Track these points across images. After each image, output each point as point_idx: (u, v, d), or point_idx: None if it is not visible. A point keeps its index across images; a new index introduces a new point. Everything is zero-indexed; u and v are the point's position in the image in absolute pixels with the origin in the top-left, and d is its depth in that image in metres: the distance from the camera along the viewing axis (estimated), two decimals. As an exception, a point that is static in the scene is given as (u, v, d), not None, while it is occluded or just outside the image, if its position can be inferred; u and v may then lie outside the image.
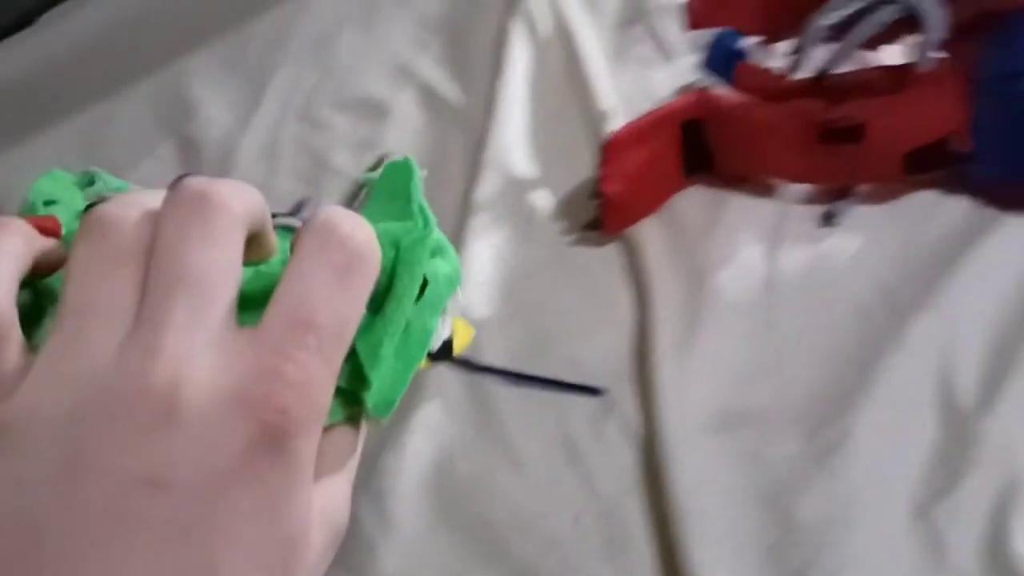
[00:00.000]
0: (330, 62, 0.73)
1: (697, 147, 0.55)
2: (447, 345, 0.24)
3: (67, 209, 0.26)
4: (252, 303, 0.20)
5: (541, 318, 0.54)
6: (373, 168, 0.64)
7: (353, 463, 0.23)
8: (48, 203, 0.25)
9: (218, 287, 0.19)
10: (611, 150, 0.54)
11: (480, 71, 0.68)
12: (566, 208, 0.58)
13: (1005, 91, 0.48)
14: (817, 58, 0.53)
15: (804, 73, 0.52)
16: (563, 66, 0.66)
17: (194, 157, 0.69)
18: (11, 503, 0.18)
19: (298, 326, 0.19)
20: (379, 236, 0.20)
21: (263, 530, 0.19)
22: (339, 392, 0.21)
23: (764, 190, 0.56)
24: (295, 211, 0.64)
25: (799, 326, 0.50)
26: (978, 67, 0.49)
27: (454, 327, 0.25)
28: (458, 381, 0.52)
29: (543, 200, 0.59)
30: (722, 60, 0.57)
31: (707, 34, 0.59)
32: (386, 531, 0.46)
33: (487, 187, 0.60)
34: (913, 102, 0.50)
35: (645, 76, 0.64)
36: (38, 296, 0.23)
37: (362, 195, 0.62)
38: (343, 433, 0.22)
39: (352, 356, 0.21)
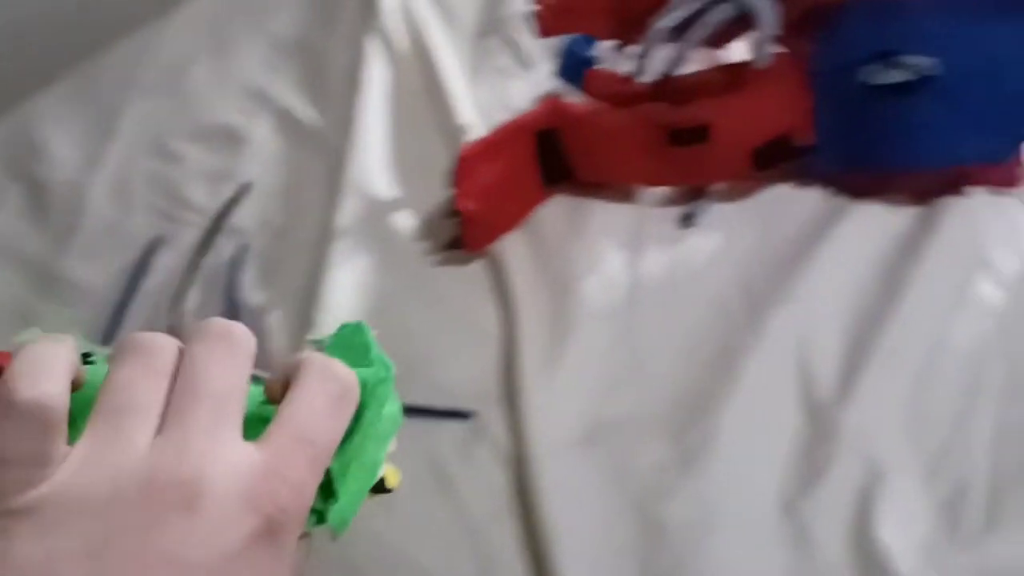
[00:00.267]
0: (183, 92, 0.71)
1: (553, 156, 0.54)
2: (382, 484, 0.28)
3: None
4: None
5: (406, 345, 0.52)
6: (232, 199, 0.62)
7: (302, 571, 0.26)
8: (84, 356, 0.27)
9: (234, 401, 0.23)
10: (464, 167, 0.53)
11: (337, 92, 0.66)
12: (428, 228, 0.57)
13: (839, 84, 0.49)
14: (662, 61, 0.53)
15: (649, 77, 0.52)
16: (421, 81, 0.64)
17: (43, 201, 0.65)
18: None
19: (300, 441, 0.23)
20: None
21: None
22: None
23: (624, 195, 0.56)
24: (148, 251, 0.60)
25: (663, 329, 0.50)
26: (812, 62, 0.49)
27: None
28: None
29: (405, 221, 0.58)
30: (573, 67, 0.57)
31: (563, 41, 0.59)
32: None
33: (348, 212, 0.58)
34: (754, 99, 0.50)
35: (503, 87, 0.63)
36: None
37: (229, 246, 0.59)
38: (299, 545, 0.25)
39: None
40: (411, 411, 0.48)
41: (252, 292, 0.56)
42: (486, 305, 0.53)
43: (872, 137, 0.49)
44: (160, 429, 0.22)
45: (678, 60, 0.51)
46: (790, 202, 0.53)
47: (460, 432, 0.48)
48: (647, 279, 0.52)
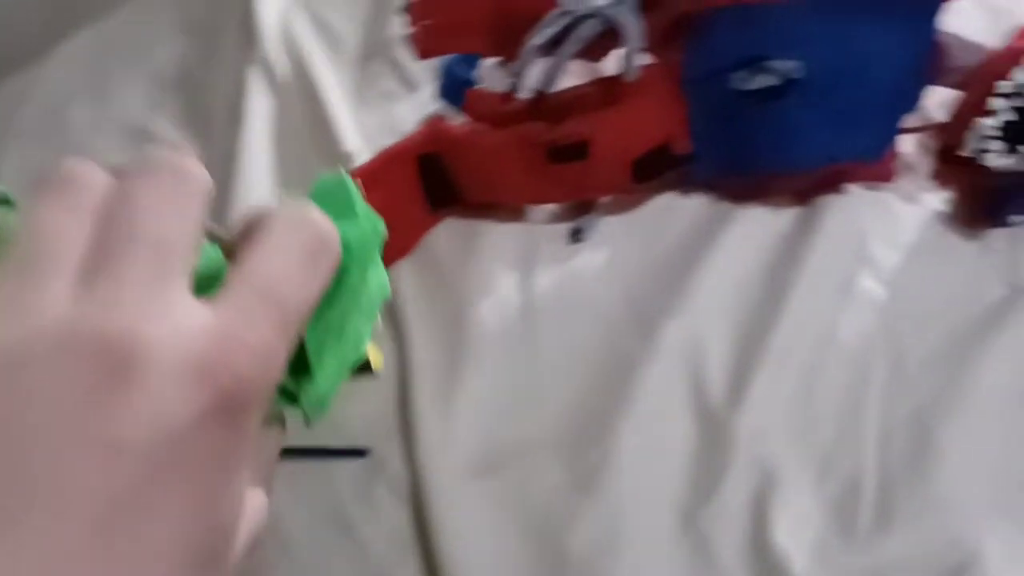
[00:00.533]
0: (63, 135, 0.68)
1: (438, 180, 0.54)
2: (367, 364, 0.23)
3: None
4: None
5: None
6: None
7: (272, 468, 0.22)
8: None
9: (181, 250, 0.18)
10: (341, 200, 0.51)
11: (220, 126, 0.64)
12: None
13: (710, 92, 0.49)
14: (537, 78, 0.52)
15: (525, 94, 0.52)
16: (304, 110, 0.63)
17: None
18: None
19: (265, 298, 0.19)
20: None
21: (199, 513, 0.18)
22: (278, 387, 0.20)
23: (514, 215, 0.55)
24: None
25: (557, 349, 0.50)
26: (683, 71, 0.49)
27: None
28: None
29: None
30: (453, 88, 0.57)
31: (444, 61, 0.58)
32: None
33: (235, 250, 0.57)
34: (629, 112, 0.50)
35: (389, 111, 0.62)
36: None
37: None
38: (267, 434, 0.21)
39: (295, 350, 0.20)
40: (304, 453, 0.48)
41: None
42: (380, 338, 0.52)
43: (747, 142, 0.50)
44: (83, 281, 0.18)
45: (552, 77, 0.51)
46: (674, 211, 0.53)
47: (357, 471, 0.47)
48: (539, 299, 0.52)
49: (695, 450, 0.45)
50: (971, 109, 0.47)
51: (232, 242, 0.21)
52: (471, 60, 0.58)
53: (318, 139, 0.61)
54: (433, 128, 0.54)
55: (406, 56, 0.65)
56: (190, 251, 0.19)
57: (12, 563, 0.16)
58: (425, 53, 0.57)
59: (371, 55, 0.66)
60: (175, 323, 0.18)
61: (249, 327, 0.18)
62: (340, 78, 0.65)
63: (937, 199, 0.51)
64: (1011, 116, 0.46)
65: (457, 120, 0.55)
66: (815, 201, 0.52)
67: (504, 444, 0.47)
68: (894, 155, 0.51)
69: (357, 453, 0.48)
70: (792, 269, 0.50)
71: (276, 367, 0.19)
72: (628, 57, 0.48)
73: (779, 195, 0.52)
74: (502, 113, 0.53)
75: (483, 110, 0.54)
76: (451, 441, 0.47)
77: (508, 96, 0.53)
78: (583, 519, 0.44)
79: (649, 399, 0.47)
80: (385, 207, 0.53)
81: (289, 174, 0.61)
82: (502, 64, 0.59)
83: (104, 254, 0.18)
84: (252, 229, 0.20)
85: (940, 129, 0.51)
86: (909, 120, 0.50)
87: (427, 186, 0.53)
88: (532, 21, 0.53)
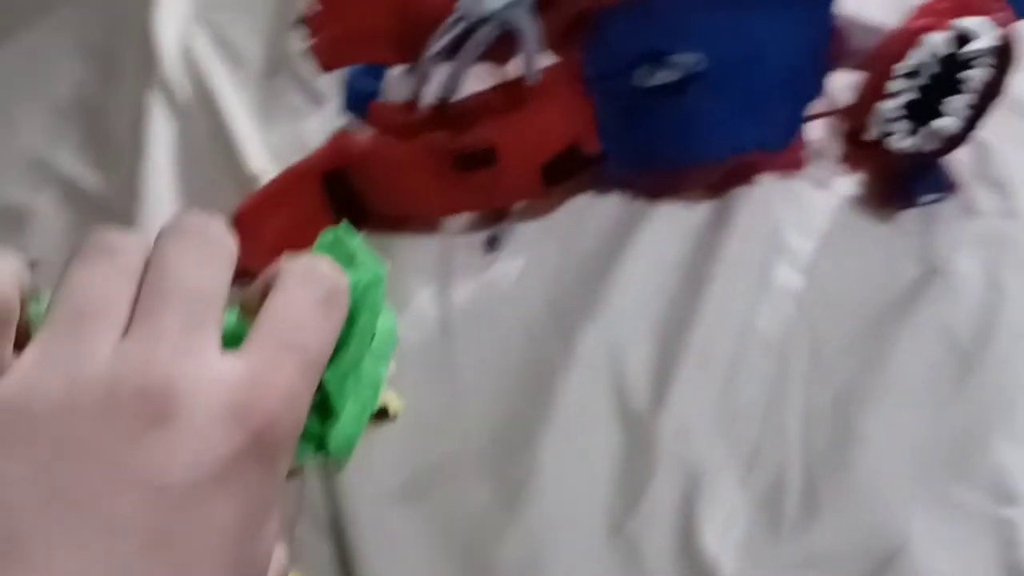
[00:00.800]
0: (-40, 172, 0.65)
1: (346, 197, 0.52)
2: (384, 409, 0.25)
3: None
4: None
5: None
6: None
7: (293, 521, 0.23)
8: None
9: (211, 304, 0.20)
10: (242, 224, 0.50)
11: (123, 154, 0.62)
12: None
13: (613, 89, 0.48)
14: (439, 86, 0.51)
15: (427, 103, 0.51)
16: (208, 131, 0.61)
17: None
18: None
19: (287, 345, 0.20)
20: None
21: (236, 550, 0.19)
22: (303, 433, 0.21)
23: (427, 227, 0.54)
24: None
25: (478, 363, 0.49)
26: (585, 70, 0.49)
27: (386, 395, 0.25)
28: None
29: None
30: (357, 101, 0.55)
31: (347, 73, 0.57)
32: None
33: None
34: (535, 115, 0.49)
35: (297, 127, 0.61)
36: None
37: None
38: (290, 484, 0.22)
39: (316, 394, 0.21)
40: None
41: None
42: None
43: (654, 138, 0.49)
44: (125, 335, 0.19)
45: (454, 84, 0.50)
46: (589, 213, 0.52)
47: (277, 505, 0.45)
48: (458, 312, 0.50)
49: (620, 456, 0.45)
50: (872, 92, 0.46)
51: (251, 301, 0.22)
52: (377, 70, 0.57)
53: (223, 161, 0.59)
54: (337, 143, 0.52)
55: (311, 70, 0.63)
56: (220, 306, 0.20)
57: None
58: (327, 65, 0.56)
59: (275, 70, 0.64)
60: (209, 370, 0.19)
61: (276, 371, 0.20)
62: (244, 96, 0.63)
63: (848, 183, 0.51)
64: (913, 95, 0.46)
65: (364, 133, 0.53)
66: (729, 193, 0.51)
67: (428, 466, 0.45)
68: (803, 143, 0.51)
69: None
70: (709, 263, 0.49)
71: (302, 408, 0.20)
72: (527, 61, 0.47)
73: (693, 189, 0.52)
74: (407, 124, 0.51)
75: (388, 122, 0.52)
76: (372, 468, 0.45)
77: (411, 106, 0.52)
78: (510, 536, 0.43)
79: (571, 407, 0.46)
80: (291, 228, 0.52)
81: (195, 199, 0.59)
82: (408, 72, 0.57)
83: (141, 311, 0.19)
84: (267, 284, 0.21)
85: (845, 113, 0.51)
86: (815, 106, 0.50)
87: (335, 204, 0.52)
88: (436, 26, 0.51)
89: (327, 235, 0.24)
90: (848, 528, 0.41)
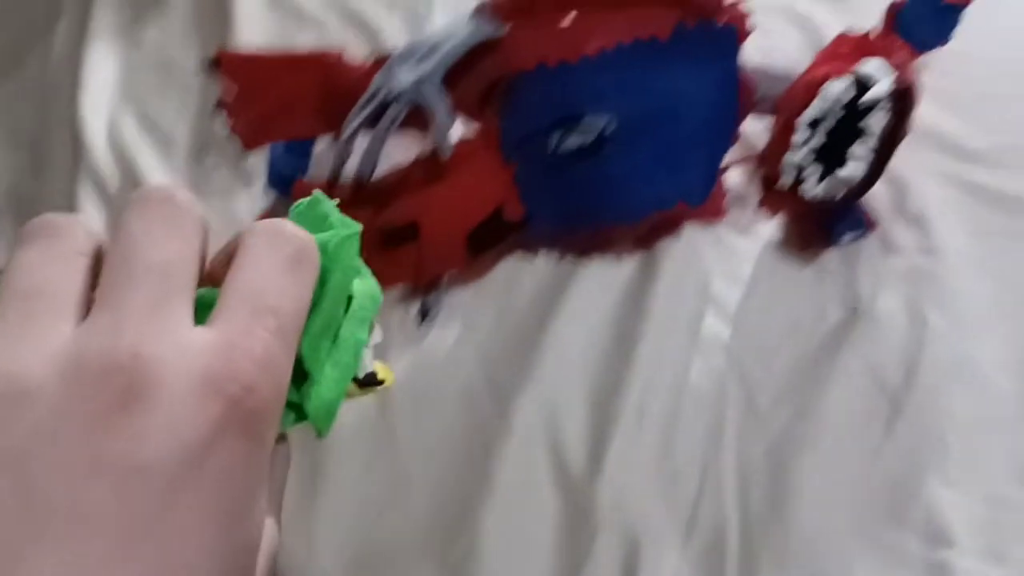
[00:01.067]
0: None
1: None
2: (374, 377, 0.24)
3: None
4: None
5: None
6: None
7: (282, 495, 0.22)
8: None
9: (179, 277, 0.19)
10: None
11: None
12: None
13: (530, 154, 0.49)
14: (358, 162, 0.51)
15: (347, 179, 0.51)
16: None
17: None
18: None
19: (258, 309, 0.19)
20: None
21: (225, 530, 0.18)
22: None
23: (360, 300, 0.54)
24: None
25: (417, 440, 0.48)
26: (502, 136, 0.49)
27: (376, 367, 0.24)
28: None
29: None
30: (279, 179, 0.55)
31: (270, 151, 0.57)
32: None
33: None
34: (455, 186, 0.49)
35: (227, 208, 0.60)
36: None
37: None
38: (276, 453, 0.21)
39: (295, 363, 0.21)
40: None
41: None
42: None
43: (576, 199, 0.50)
44: (87, 315, 0.18)
45: (373, 160, 0.50)
46: (520, 275, 0.52)
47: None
48: (396, 387, 0.50)
49: (560, 525, 0.45)
50: (780, 142, 0.47)
51: (217, 269, 0.21)
52: (303, 145, 0.57)
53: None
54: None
55: (238, 150, 0.63)
56: (189, 278, 0.19)
57: None
58: (249, 144, 0.56)
59: (203, 151, 0.64)
60: (178, 342, 0.18)
61: (248, 337, 0.19)
62: (173, 178, 0.63)
63: (770, 228, 0.52)
64: (822, 140, 0.47)
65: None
66: (655, 247, 0.52)
67: (370, 552, 0.45)
68: (723, 191, 0.51)
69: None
70: (639, 319, 0.49)
71: (282, 374, 0.19)
72: (438, 135, 0.48)
73: (620, 244, 0.52)
74: (330, 202, 0.51)
75: (311, 200, 0.52)
76: (314, 558, 0.45)
77: (333, 183, 0.52)
78: (454, 618, 0.42)
79: (510, 478, 0.46)
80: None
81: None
82: (332, 146, 0.58)
83: (104, 288, 0.19)
84: (232, 250, 0.21)
85: (759, 161, 0.51)
86: (730, 154, 0.51)
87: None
88: (357, 95, 0.52)
89: (300, 203, 0.24)
90: (789, 582, 0.41)
